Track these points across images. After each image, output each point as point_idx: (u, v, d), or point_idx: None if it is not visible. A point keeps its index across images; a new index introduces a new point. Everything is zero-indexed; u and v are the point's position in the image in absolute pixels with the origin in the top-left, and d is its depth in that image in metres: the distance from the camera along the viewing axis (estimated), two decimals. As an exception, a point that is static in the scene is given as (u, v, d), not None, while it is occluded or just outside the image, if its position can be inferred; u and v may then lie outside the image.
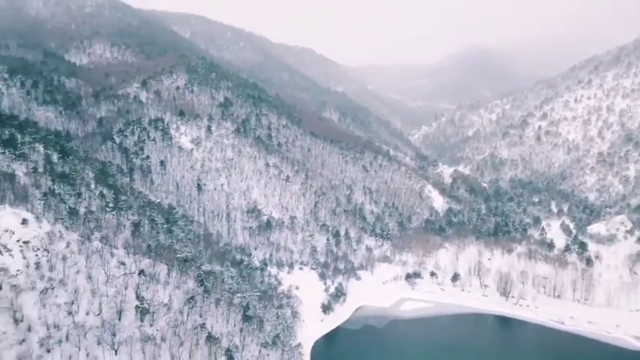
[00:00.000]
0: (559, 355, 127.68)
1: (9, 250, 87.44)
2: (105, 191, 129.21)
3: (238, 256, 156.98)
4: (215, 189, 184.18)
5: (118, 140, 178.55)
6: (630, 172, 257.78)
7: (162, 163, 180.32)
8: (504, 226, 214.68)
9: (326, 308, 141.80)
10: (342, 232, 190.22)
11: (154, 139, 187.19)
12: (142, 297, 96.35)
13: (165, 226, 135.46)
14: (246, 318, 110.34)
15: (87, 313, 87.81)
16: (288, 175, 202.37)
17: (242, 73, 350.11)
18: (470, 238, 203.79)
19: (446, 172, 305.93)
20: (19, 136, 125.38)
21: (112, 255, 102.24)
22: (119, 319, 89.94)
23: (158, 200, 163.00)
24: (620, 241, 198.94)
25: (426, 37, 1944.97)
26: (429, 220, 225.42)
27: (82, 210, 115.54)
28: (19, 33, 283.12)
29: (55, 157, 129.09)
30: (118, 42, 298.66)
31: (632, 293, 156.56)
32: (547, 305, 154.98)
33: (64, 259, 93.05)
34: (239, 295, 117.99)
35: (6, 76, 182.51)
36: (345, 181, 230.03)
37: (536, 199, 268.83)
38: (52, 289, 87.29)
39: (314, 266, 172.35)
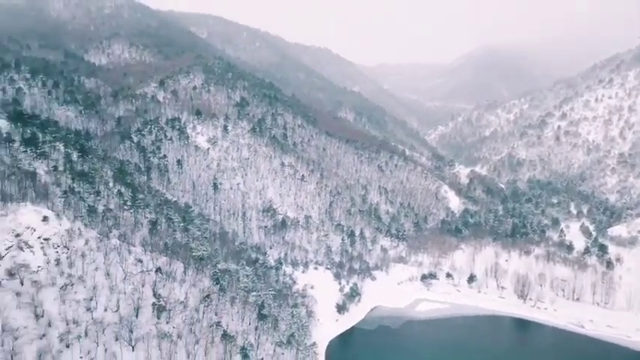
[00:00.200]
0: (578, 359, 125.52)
1: (30, 247, 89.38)
2: (123, 190, 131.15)
3: (254, 255, 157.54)
4: (231, 188, 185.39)
5: (135, 139, 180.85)
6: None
7: (179, 162, 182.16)
8: (522, 228, 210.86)
9: (341, 308, 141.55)
10: (357, 232, 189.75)
11: (170, 139, 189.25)
12: (159, 294, 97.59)
13: (182, 224, 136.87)
14: (261, 317, 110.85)
15: (105, 310, 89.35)
16: (303, 175, 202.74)
17: (258, 72, 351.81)
18: (486, 240, 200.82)
19: (462, 172, 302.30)
20: (40, 135, 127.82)
21: (130, 252, 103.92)
22: (136, 315, 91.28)
23: (175, 199, 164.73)
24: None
25: (440, 37, 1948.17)
26: (445, 220, 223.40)
27: (100, 208, 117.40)
28: (41, 34, 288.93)
29: (74, 156, 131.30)
30: (136, 42, 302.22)
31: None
32: (566, 308, 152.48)
33: (83, 256, 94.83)
34: (254, 293, 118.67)
35: (28, 76, 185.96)
36: (360, 180, 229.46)
37: (554, 201, 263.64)
38: (72, 285, 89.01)
39: (329, 266, 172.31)
